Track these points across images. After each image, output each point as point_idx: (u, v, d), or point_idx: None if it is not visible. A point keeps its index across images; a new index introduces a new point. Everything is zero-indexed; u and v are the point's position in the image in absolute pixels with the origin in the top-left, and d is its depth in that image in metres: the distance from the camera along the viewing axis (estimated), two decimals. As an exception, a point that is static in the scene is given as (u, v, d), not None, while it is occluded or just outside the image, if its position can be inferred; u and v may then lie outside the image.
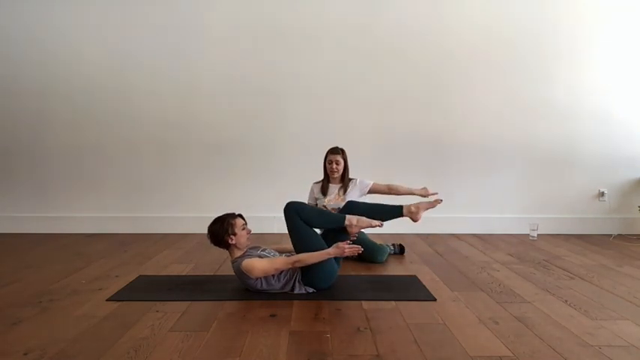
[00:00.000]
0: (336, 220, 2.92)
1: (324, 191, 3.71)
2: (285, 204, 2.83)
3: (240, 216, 2.81)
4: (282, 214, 2.82)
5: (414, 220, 2.93)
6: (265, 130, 4.74)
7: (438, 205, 2.95)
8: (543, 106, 4.75)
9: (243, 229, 2.76)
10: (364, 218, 2.93)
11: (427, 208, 2.93)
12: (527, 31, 4.70)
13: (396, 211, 2.95)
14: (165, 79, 4.69)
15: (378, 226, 2.91)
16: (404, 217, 3.03)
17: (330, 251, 2.64)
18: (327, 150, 3.78)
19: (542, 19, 4.70)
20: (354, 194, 3.67)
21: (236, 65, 4.69)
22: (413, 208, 2.92)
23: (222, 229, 2.70)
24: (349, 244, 2.68)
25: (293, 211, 2.77)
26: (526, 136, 4.77)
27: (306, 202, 3.70)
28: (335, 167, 3.66)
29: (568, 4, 4.70)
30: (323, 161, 3.75)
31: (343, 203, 3.62)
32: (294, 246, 2.82)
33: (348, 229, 2.90)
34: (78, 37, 4.66)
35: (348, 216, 2.91)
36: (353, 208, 3.07)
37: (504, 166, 4.79)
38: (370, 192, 3.73)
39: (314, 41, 4.68)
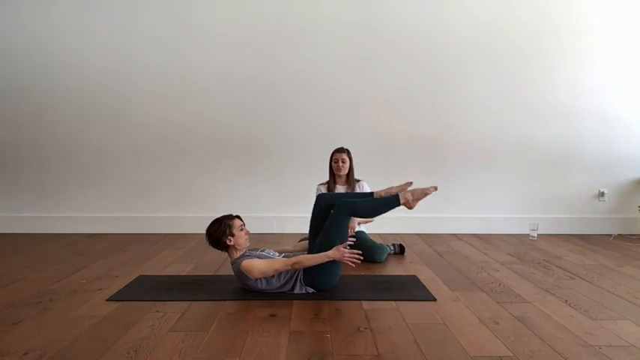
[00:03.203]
0: (392, 201, 2.89)
1: (331, 192, 3.71)
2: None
3: (238, 217, 2.81)
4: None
5: (410, 208, 2.90)
6: (265, 130, 4.74)
7: (433, 191, 2.92)
8: (543, 106, 4.75)
9: (242, 229, 2.76)
10: (418, 189, 2.90)
11: (421, 197, 2.90)
12: (527, 30, 4.70)
13: (393, 202, 2.93)
14: (165, 79, 4.69)
15: (435, 188, 2.89)
16: (400, 206, 2.96)
17: (330, 254, 2.63)
18: (329, 150, 3.79)
19: (543, 19, 4.69)
20: None
21: (236, 65, 4.68)
22: (409, 196, 2.90)
23: (219, 231, 2.70)
24: (348, 247, 2.68)
25: (345, 207, 2.81)
26: (526, 136, 4.77)
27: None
28: (341, 165, 3.66)
29: (569, 4, 4.70)
30: (329, 161, 3.75)
31: None
32: (316, 235, 2.80)
33: (407, 205, 2.87)
34: (78, 37, 4.66)
35: (401, 193, 2.86)
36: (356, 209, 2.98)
37: (504, 166, 4.79)
38: None
39: (314, 41, 4.68)
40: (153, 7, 4.64)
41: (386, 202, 2.92)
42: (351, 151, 3.76)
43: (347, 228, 2.85)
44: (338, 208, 2.85)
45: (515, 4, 4.68)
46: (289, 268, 2.63)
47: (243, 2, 4.65)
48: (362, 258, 2.68)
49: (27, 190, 4.77)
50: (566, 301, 2.63)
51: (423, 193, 2.89)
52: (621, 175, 4.82)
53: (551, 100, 4.75)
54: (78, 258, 3.65)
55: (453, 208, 4.77)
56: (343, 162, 3.66)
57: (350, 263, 2.62)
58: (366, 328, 2.20)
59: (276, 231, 4.60)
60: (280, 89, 4.71)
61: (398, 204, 2.88)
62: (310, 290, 2.71)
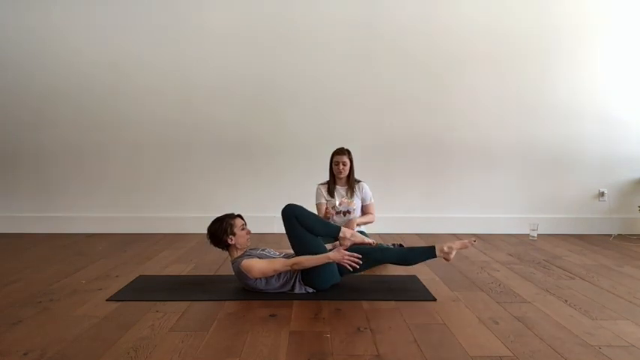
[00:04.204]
0: (331, 230, 2.87)
1: (332, 193, 3.70)
2: (285, 204, 2.82)
3: (240, 216, 2.81)
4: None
5: (447, 260, 2.91)
6: (266, 130, 4.74)
7: (472, 244, 2.93)
8: (544, 106, 4.75)
9: (243, 229, 2.76)
10: (358, 233, 2.94)
11: (460, 248, 2.92)
12: (527, 31, 4.69)
13: (429, 253, 2.91)
14: (166, 78, 4.70)
15: (371, 244, 2.88)
16: (437, 257, 2.95)
17: (330, 255, 2.63)
18: (329, 150, 3.77)
19: (543, 19, 4.69)
20: (357, 200, 3.69)
21: (237, 65, 4.69)
22: (445, 249, 2.90)
23: (221, 230, 2.71)
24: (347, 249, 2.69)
25: (291, 214, 2.73)
26: (526, 136, 4.77)
27: (316, 204, 3.72)
28: (341, 168, 3.65)
29: (569, 5, 4.70)
30: (329, 162, 3.74)
31: (352, 206, 3.64)
32: (292, 248, 2.81)
33: (341, 241, 2.87)
34: (79, 36, 4.66)
35: (343, 228, 2.88)
36: (385, 251, 2.98)
37: (504, 166, 4.79)
38: (362, 206, 3.74)
39: (314, 41, 4.68)
40: (155, 6, 4.64)
41: (326, 230, 2.86)
42: (351, 151, 3.74)
43: (302, 236, 2.74)
44: (282, 214, 2.77)
45: (515, 4, 4.68)
46: (289, 268, 2.63)
47: (244, 2, 4.65)
48: (361, 262, 2.67)
49: (27, 189, 4.77)
50: (566, 301, 2.63)
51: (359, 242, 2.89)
52: (621, 175, 4.82)
53: (551, 100, 4.75)
54: (78, 258, 3.65)
55: (453, 208, 4.77)
56: (344, 164, 3.65)
57: (348, 266, 2.62)
58: (366, 328, 2.20)
59: (276, 231, 4.60)
60: (280, 89, 4.71)
61: (335, 237, 2.86)
62: (310, 290, 2.71)
